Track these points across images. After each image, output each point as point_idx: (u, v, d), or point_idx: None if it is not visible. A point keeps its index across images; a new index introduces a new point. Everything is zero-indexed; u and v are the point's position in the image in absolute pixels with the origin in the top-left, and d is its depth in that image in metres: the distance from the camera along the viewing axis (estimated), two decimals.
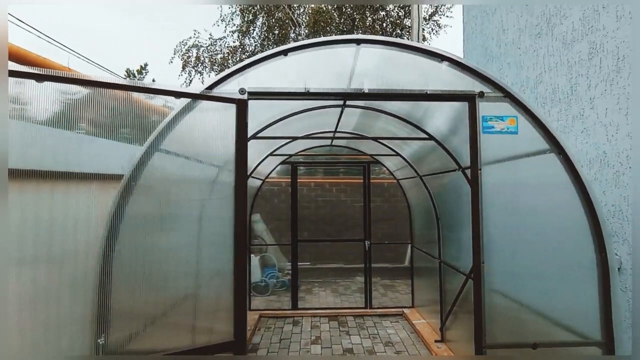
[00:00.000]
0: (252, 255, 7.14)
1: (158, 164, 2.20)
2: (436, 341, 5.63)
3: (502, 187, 2.43)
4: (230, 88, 2.27)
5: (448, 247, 5.39)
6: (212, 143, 2.27)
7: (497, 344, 2.29)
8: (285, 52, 2.26)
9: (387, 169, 7.48)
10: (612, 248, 2.34)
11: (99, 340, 2.00)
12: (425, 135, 4.09)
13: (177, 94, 2.08)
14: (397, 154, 5.89)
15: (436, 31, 14.55)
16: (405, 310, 7.14)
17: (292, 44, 2.26)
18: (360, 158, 7.48)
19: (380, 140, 5.79)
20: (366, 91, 2.27)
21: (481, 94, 2.30)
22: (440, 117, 3.81)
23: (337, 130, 5.47)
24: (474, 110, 2.29)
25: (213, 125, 2.24)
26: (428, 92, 2.29)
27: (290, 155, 6.31)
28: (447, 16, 14.65)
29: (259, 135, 3.80)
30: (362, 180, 8.30)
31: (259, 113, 3.22)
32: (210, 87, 2.23)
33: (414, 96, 2.31)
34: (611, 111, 3.31)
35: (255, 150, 4.94)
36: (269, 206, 8.72)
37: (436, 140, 4.09)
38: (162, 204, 2.21)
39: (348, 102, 3.88)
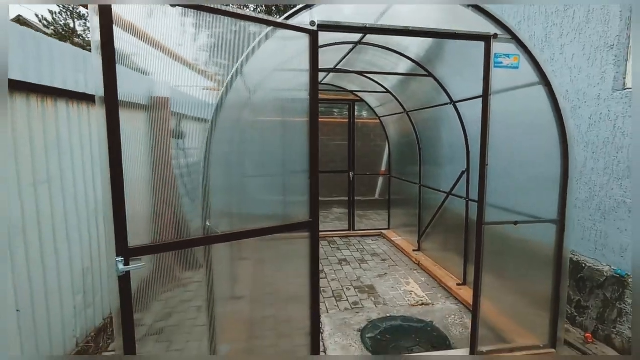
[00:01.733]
0: None
1: (241, 87, 2.66)
2: (414, 250, 6.76)
3: (500, 114, 3.14)
4: (298, 20, 2.71)
5: (429, 173, 6.31)
6: (284, 71, 2.75)
7: (490, 222, 3.17)
8: None
9: (369, 106, 8.10)
10: (574, 156, 3.22)
11: (207, 223, 2.59)
12: (424, 73, 4.71)
13: (268, 22, 2.49)
14: (387, 91, 6.50)
15: None
16: (384, 231, 8.23)
17: None
18: (344, 97, 7.99)
19: (368, 75, 6.28)
20: (410, 29, 2.81)
21: (495, 36, 2.94)
22: (438, 53, 4.42)
23: (335, 67, 5.92)
24: (489, 48, 2.94)
25: (287, 53, 2.71)
26: (456, 32, 2.89)
27: None
28: None
29: None
30: (336, 120, 8.90)
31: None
32: (286, 19, 2.66)
33: (446, 35, 2.90)
34: (577, 57, 4.13)
35: None
36: None
37: (434, 78, 4.74)
38: (246, 124, 2.71)
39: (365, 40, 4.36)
